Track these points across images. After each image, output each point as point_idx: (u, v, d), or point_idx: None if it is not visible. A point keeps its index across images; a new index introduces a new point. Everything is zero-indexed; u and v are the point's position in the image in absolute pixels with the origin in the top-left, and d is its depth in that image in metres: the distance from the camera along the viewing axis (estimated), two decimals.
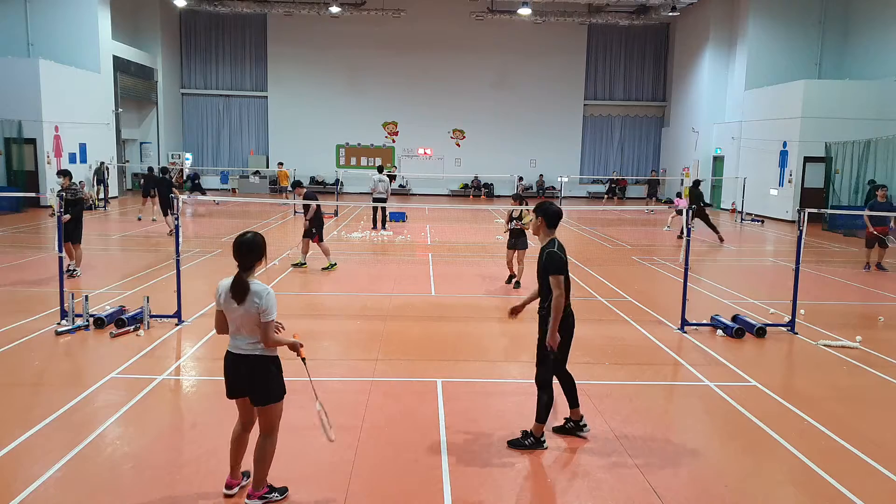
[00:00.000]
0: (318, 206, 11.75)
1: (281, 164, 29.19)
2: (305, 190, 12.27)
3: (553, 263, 4.86)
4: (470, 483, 4.51)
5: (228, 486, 4.27)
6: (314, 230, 11.83)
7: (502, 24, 31.30)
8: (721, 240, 16.93)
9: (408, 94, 32.67)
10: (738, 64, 26.34)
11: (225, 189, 32.01)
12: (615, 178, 26.85)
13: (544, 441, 5.06)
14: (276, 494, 4.20)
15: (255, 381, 4.02)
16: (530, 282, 11.06)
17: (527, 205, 10.84)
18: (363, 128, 33.07)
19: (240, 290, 3.91)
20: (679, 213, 20.11)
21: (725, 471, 4.79)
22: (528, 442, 5.01)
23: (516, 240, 10.66)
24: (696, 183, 18.68)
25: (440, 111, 32.89)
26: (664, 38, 33.13)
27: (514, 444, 5.04)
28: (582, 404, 5.97)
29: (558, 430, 5.34)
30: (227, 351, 4.10)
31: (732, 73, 27.13)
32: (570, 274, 5.00)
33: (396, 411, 5.71)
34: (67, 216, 11.03)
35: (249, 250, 3.95)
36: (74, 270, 11.09)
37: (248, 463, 4.31)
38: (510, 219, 10.79)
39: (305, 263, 12.12)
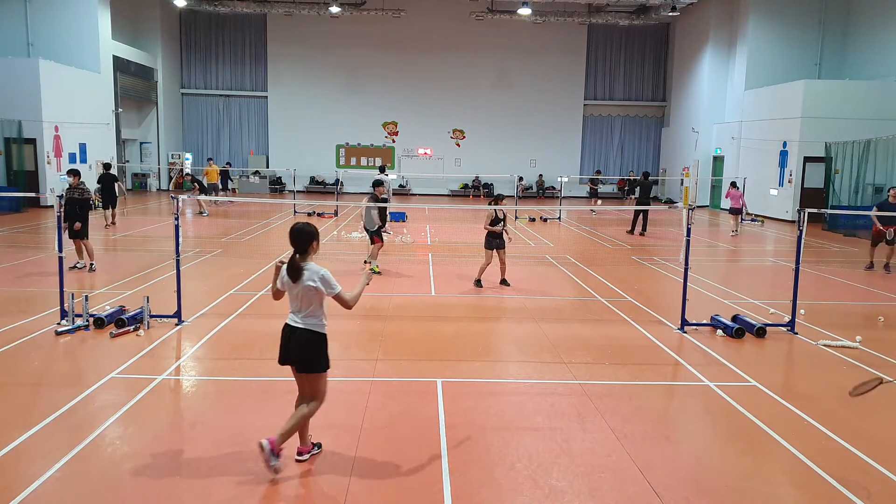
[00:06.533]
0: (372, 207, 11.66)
1: (210, 159, 27.87)
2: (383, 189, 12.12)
3: None
4: (470, 483, 4.51)
5: (299, 454, 4.74)
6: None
7: (502, 24, 31.31)
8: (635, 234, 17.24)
9: (408, 94, 32.67)
10: (738, 64, 26.34)
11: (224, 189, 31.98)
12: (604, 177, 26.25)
13: None
14: (276, 459, 4.47)
15: (302, 351, 4.62)
16: (518, 280, 11.10)
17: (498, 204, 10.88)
18: (363, 128, 33.07)
19: (294, 270, 4.59)
20: (734, 212, 19.45)
21: (725, 471, 4.79)
22: None
23: (499, 240, 10.75)
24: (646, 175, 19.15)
25: (440, 111, 32.90)
26: (664, 38, 33.12)
27: None
28: (582, 404, 5.97)
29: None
30: (285, 323, 4.69)
31: (732, 73, 27.13)
32: None
33: (396, 411, 5.71)
34: (78, 224, 11.08)
35: (299, 235, 4.64)
36: (93, 264, 11.36)
37: (318, 435, 4.95)
38: (495, 220, 10.69)
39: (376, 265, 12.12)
